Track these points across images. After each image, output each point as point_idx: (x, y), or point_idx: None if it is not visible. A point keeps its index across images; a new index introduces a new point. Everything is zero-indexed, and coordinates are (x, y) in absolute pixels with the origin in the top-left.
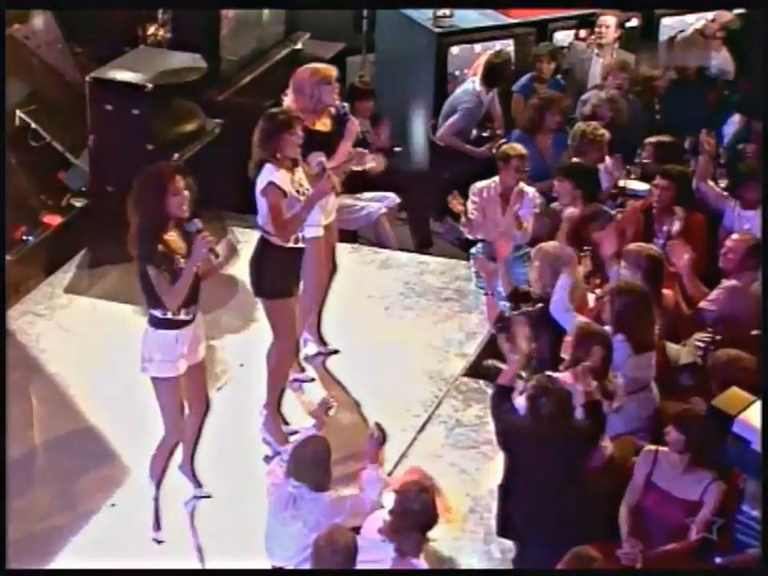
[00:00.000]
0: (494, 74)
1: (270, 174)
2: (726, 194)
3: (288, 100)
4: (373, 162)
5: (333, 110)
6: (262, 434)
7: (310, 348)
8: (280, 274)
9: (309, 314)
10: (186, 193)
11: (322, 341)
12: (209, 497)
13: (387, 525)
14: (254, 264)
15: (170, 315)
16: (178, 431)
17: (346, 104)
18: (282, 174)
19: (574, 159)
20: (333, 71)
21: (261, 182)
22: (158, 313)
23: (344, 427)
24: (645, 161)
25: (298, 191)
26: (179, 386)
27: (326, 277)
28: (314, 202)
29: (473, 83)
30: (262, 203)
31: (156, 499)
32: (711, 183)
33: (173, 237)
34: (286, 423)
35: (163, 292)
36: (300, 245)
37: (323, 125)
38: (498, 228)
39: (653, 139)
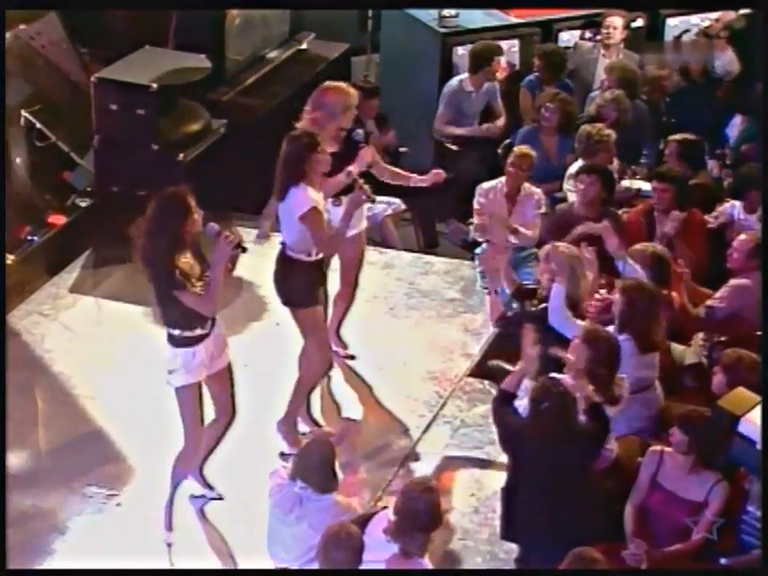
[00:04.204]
0: (477, 60)
1: (307, 199)
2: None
3: (307, 115)
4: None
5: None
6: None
7: None
8: (305, 285)
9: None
10: (199, 215)
11: (341, 342)
12: (220, 498)
13: (392, 525)
14: (280, 278)
15: (187, 333)
16: (195, 440)
17: (361, 131)
18: (316, 195)
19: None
20: (356, 96)
21: (300, 207)
22: (176, 332)
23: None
24: (667, 158)
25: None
26: (197, 393)
27: (355, 278)
28: (352, 212)
29: (457, 76)
30: (299, 226)
31: (171, 503)
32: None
33: (186, 258)
34: (318, 425)
35: (198, 306)
36: (319, 256)
37: (331, 145)
38: (504, 228)
39: (677, 137)
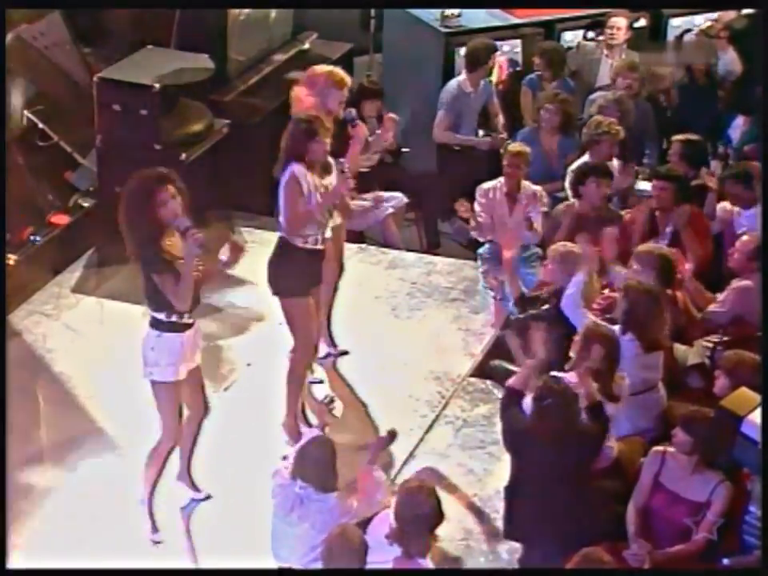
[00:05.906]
0: (475, 58)
1: (293, 169)
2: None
3: (298, 93)
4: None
5: (340, 114)
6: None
7: (320, 349)
8: (296, 274)
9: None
10: (177, 199)
11: (332, 342)
12: (209, 497)
13: (393, 528)
14: (272, 263)
15: (174, 318)
16: (175, 436)
17: (353, 110)
18: (305, 172)
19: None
20: (347, 78)
21: (284, 177)
22: (162, 316)
23: (351, 428)
24: (670, 158)
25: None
26: (180, 390)
27: (333, 278)
28: (329, 201)
29: (455, 78)
30: (281, 197)
31: (150, 503)
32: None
33: (172, 241)
34: (310, 425)
35: (171, 295)
36: (319, 246)
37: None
38: (506, 227)
39: (680, 137)
